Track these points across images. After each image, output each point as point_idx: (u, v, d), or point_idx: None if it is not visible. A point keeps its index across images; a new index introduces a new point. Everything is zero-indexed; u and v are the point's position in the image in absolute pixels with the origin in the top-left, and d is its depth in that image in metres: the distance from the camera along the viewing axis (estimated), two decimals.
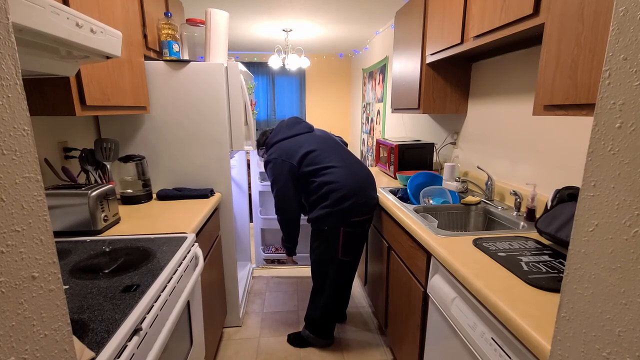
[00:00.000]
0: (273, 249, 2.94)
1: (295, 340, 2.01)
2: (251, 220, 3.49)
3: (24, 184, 0.41)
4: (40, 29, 0.71)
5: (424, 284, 1.32)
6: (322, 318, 1.92)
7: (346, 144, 2.05)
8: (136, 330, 0.77)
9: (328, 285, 1.87)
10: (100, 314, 0.78)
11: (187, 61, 1.77)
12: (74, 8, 1.08)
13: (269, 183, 1.97)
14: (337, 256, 1.81)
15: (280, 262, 2.91)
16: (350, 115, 5.95)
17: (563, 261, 1.03)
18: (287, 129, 1.89)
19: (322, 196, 1.74)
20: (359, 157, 5.43)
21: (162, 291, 0.94)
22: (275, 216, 1.91)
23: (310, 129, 1.92)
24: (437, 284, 1.20)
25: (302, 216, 1.97)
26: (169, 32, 1.79)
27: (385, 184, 2.18)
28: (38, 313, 0.43)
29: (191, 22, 1.88)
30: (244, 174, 2.67)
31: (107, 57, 1.04)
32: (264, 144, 1.97)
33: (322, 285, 1.89)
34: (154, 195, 1.85)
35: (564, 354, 0.53)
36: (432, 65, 1.98)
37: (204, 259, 1.51)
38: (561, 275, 0.95)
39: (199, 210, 1.59)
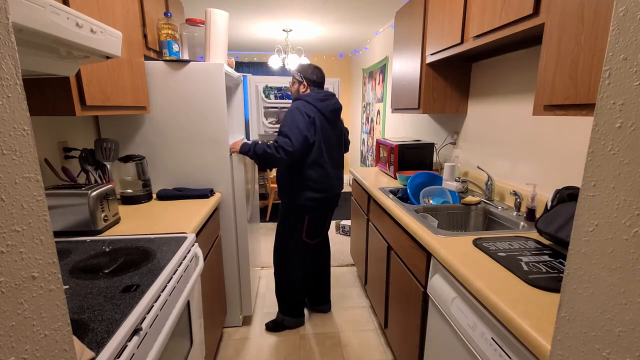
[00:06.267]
0: None
1: (273, 326, 2.13)
2: None
3: (24, 184, 0.41)
4: (40, 29, 0.71)
5: (424, 284, 1.32)
6: (290, 296, 2.07)
7: (348, 132, 2.20)
8: (136, 330, 0.77)
9: (292, 263, 2.01)
10: (100, 314, 0.78)
11: (187, 61, 1.77)
12: (74, 8, 1.08)
13: None
14: (302, 237, 1.97)
15: None
16: (350, 115, 5.94)
17: (563, 261, 1.03)
18: (328, 111, 1.89)
19: (298, 186, 1.88)
20: (358, 157, 5.43)
21: (162, 291, 0.94)
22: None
23: (339, 133, 2.01)
24: (437, 284, 1.20)
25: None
26: (169, 32, 1.79)
27: (385, 184, 2.17)
28: (38, 313, 0.43)
29: (191, 22, 1.88)
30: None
31: (107, 57, 1.04)
32: (301, 79, 1.95)
33: (284, 263, 2.03)
34: (154, 195, 1.85)
35: (564, 354, 0.53)
36: (432, 65, 1.98)
37: (204, 259, 1.51)
38: (561, 275, 0.95)
39: (199, 210, 1.59)
